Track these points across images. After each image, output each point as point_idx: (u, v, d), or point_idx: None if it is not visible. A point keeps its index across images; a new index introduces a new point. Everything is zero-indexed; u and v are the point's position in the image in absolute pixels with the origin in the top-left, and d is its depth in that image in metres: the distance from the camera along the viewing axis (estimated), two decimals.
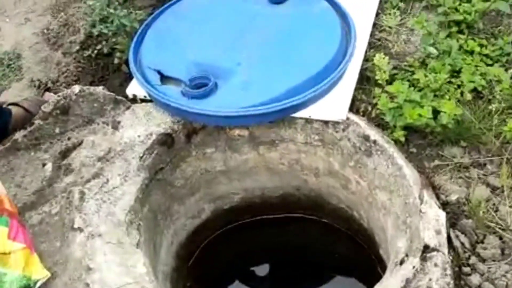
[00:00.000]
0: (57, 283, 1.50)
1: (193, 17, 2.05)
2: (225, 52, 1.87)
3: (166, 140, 1.81)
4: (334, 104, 1.74)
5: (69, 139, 1.80)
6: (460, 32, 1.94)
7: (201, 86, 1.76)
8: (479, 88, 1.76)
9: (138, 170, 1.72)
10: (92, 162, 1.72)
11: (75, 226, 1.58)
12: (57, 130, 1.81)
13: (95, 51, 2.24)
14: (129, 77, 2.14)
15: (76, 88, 1.82)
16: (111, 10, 2.06)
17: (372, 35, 2.02)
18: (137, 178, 1.71)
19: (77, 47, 2.31)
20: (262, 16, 1.99)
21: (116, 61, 2.17)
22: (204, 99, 1.74)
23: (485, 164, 1.65)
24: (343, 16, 1.98)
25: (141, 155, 1.74)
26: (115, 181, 1.68)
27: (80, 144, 1.78)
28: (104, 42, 2.19)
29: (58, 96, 1.81)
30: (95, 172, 1.70)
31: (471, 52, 1.85)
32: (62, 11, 2.52)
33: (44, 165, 1.74)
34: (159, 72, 1.84)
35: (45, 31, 2.46)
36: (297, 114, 1.75)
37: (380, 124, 1.78)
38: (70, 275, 1.50)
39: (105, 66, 2.24)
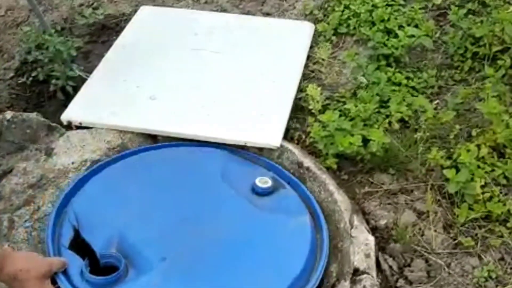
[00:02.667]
0: None
1: (152, 178, 1.71)
2: (159, 234, 1.52)
3: None
4: (269, 131, 1.79)
5: None
6: (389, 65, 2.04)
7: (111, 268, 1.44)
8: (406, 118, 1.85)
9: None
10: (23, 189, 1.68)
11: None
12: None
13: (30, 78, 2.21)
14: (64, 104, 2.12)
15: (8, 114, 1.78)
16: (47, 37, 2.05)
17: (306, 66, 2.09)
18: None
19: (12, 74, 2.27)
20: (231, 205, 1.62)
21: (51, 88, 2.14)
22: None
23: (412, 191, 1.72)
24: (320, 235, 1.58)
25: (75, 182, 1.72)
26: (46, 208, 1.65)
27: (10, 171, 1.74)
28: (39, 69, 2.17)
29: None
30: (25, 199, 1.66)
31: (399, 84, 1.95)
32: None
33: None
34: (75, 230, 1.54)
35: None
36: (232, 141, 1.79)
37: (313, 152, 1.83)
38: None
39: (40, 93, 2.21)
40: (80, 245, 1.50)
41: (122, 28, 2.33)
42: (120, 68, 2.07)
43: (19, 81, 2.23)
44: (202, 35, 2.22)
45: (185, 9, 2.44)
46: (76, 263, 1.44)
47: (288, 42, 2.13)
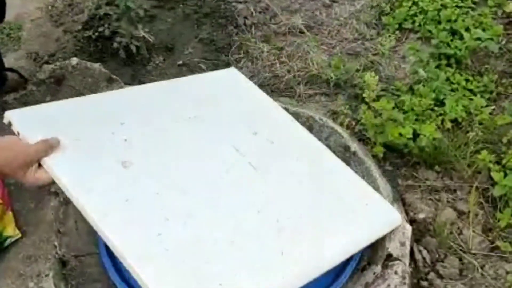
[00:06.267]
0: (25, 242, 1.51)
1: None
2: None
3: None
4: None
5: None
6: (449, 65, 2.02)
7: None
8: (459, 119, 1.83)
9: None
10: None
11: (52, 190, 1.60)
12: (47, 98, 1.84)
13: (96, 33, 2.28)
14: (125, 63, 2.19)
15: (74, 60, 1.86)
16: None
17: (366, 57, 2.09)
18: None
19: (79, 27, 2.36)
20: None
21: (115, 45, 2.20)
22: None
23: (455, 190, 1.71)
24: None
25: None
26: None
27: None
28: (106, 25, 2.24)
29: (55, 65, 1.84)
30: None
31: (457, 84, 1.93)
32: None
33: None
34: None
35: (49, 7, 2.51)
36: None
37: (362, 139, 1.84)
38: (39, 235, 1.51)
39: (104, 48, 2.28)
40: None
41: None
42: None
43: (85, 35, 2.31)
44: None
45: None
46: None
47: None
